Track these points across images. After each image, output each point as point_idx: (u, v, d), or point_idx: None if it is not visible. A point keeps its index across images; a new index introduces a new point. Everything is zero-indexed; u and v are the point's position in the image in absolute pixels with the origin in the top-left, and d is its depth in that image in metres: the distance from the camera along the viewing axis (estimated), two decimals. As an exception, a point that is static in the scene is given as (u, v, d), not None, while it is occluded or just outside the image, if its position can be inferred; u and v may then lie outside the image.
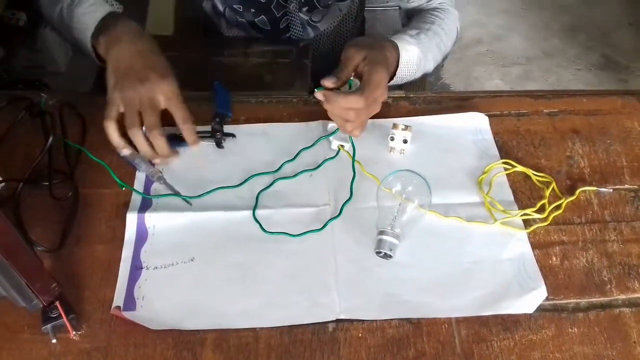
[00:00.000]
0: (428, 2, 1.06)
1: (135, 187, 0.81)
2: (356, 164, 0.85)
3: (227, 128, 0.88)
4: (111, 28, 0.83)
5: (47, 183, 0.80)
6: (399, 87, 1.12)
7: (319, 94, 0.81)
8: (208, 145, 0.87)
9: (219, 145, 0.86)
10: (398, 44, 0.91)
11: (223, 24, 1.09)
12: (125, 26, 0.84)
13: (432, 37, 0.97)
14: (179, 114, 0.79)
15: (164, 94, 0.78)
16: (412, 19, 1.05)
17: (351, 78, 0.84)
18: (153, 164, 0.83)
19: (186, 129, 0.80)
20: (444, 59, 1.04)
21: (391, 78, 0.92)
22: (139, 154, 0.82)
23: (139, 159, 0.82)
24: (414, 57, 0.93)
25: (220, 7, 1.07)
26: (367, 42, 0.88)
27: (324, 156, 0.87)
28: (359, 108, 0.80)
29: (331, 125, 0.88)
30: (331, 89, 0.81)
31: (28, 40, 2.05)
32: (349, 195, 0.82)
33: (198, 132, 0.84)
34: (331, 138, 0.87)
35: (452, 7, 1.06)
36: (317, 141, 0.88)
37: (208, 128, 0.86)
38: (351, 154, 0.86)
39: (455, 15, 1.06)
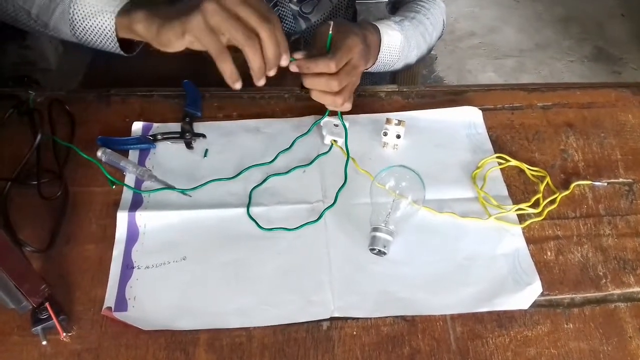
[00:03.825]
0: None
1: (124, 187, 0.80)
2: (350, 160, 0.84)
3: (212, 125, 0.88)
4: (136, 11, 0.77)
5: (35, 182, 0.79)
6: (392, 80, 1.12)
7: (292, 65, 0.77)
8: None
9: (188, 146, 0.85)
10: (380, 28, 0.89)
11: None
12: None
13: (417, 26, 0.96)
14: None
15: None
16: (398, 10, 1.04)
17: None
18: (141, 165, 0.82)
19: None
20: (429, 51, 1.03)
21: (373, 63, 0.90)
22: (124, 157, 0.81)
23: (124, 162, 0.81)
24: (396, 42, 0.91)
25: None
26: (342, 20, 0.86)
27: (317, 151, 0.86)
28: (331, 72, 0.77)
29: (325, 120, 0.87)
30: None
31: (18, 37, 2.04)
32: (344, 185, 0.81)
33: (166, 133, 0.85)
34: (324, 133, 0.86)
35: None
36: (311, 127, 0.88)
37: (177, 128, 0.87)
38: (344, 149, 0.85)
39: (442, 8, 1.04)
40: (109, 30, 0.79)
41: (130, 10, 0.77)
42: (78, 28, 0.80)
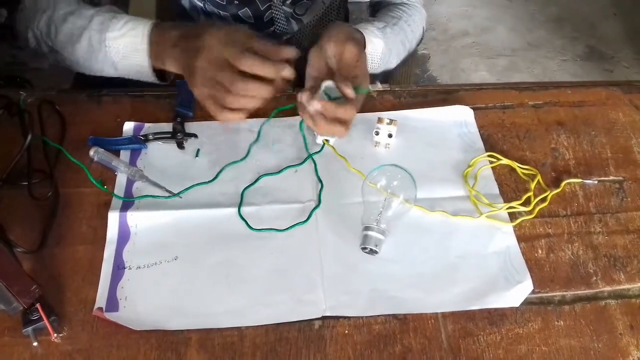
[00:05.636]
0: None
1: (115, 187, 0.80)
2: (341, 159, 0.84)
3: (204, 125, 0.88)
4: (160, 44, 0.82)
5: (26, 183, 0.78)
6: (385, 80, 1.11)
7: (316, 105, 0.75)
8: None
9: (180, 146, 0.85)
10: (365, 36, 0.89)
11: (202, 20, 1.07)
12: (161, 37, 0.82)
13: (398, 33, 0.96)
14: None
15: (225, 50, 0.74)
16: (379, 12, 1.04)
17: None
18: (132, 165, 0.82)
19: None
20: (408, 57, 1.03)
21: None
22: (115, 157, 0.81)
23: (115, 162, 0.81)
24: (378, 50, 0.92)
25: (199, 2, 1.05)
26: (338, 23, 0.86)
27: (309, 151, 0.86)
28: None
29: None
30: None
31: (10, 37, 2.02)
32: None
33: (158, 133, 0.85)
34: (316, 133, 0.86)
35: (420, 4, 1.05)
36: (299, 126, 0.88)
37: (169, 128, 0.86)
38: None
39: (423, 15, 1.05)
40: (145, 67, 0.84)
41: (159, 49, 0.82)
42: (120, 69, 0.86)
